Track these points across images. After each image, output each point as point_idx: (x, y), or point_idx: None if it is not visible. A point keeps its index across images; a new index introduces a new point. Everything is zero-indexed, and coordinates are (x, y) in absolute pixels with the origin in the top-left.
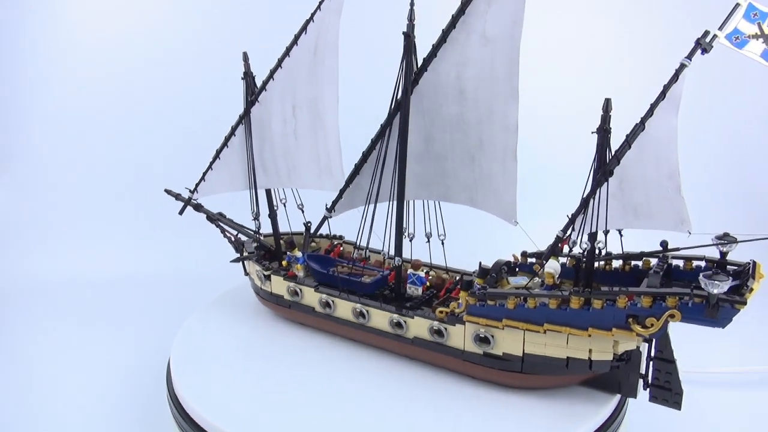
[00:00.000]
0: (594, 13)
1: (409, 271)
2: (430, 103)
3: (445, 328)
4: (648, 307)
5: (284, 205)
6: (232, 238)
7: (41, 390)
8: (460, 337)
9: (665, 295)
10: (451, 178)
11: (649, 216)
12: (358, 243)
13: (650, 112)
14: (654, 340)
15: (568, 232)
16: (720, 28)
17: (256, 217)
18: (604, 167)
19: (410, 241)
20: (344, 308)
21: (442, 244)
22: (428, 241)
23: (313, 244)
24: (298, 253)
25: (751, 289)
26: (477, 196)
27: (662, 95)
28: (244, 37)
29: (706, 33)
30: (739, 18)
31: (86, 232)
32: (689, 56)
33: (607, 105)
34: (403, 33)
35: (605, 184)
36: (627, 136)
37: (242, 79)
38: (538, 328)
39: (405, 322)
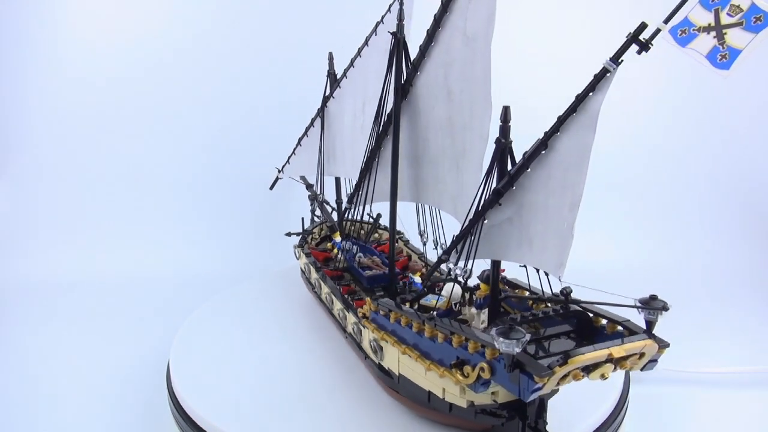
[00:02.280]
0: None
1: (408, 274)
2: (424, 104)
3: (360, 329)
4: (471, 353)
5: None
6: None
7: (41, 390)
8: (367, 341)
9: (487, 344)
10: (442, 185)
11: (542, 250)
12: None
13: (556, 129)
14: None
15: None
16: (666, 21)
17: (314, 201)
18: (507, 183)
19: (423, 244)
20: (325, 292)
21: (435, 246)
22: (424, 243)
23: (375, 235)
24: (338, 238)
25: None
26: (459, 208)
27: (573, 108)
28: (243, 37)
29: (644, 26)
30: (694, 4)
31: (86, 233)
32: (615, 58)
33: (505, 114)
34: (391, 33)
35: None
36: (524, 154)
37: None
38: (405, 349)
39: (345, 315)
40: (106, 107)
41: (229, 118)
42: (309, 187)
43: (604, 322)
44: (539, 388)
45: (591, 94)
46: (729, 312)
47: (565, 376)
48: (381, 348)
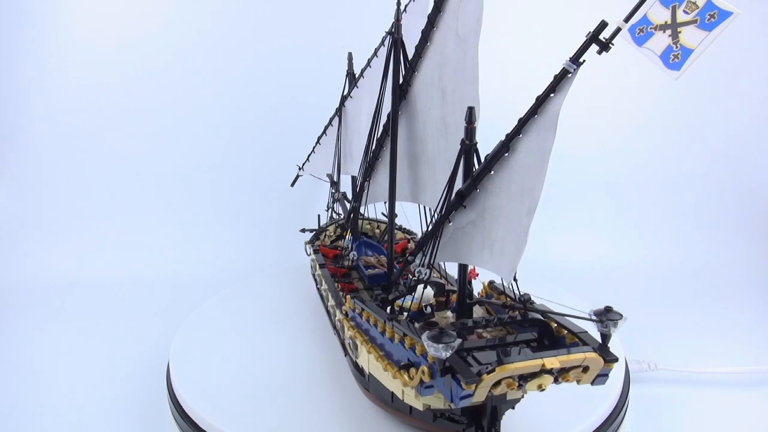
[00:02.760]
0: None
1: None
2: (422, 104)
3: (343, 326)
4: (418, 356)
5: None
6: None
7: (41, 390)
8: (346, 338)
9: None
10: (439, 186)
11: (501, 255)
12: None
13: (518, 131)
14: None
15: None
16: (626, 19)
17: (335, 198)
18: (470, 185)
19: None
20: (323, 288)
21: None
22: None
23: (398, 233)
24: (349, 236)
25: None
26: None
27: (534, 110)
28: (252, 36)
29: (604, 24)
30: (654, 1)
31: (86, 233)
32: (575, 58)
33: (470, 115)
34: (388, 33)
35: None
36: (487, 156)
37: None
38: (370, 348)
39: (335, 311)
40: (107, 107)
41: (230, 117)
42: (333, 184)
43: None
44: (469, 395)
45: (552, 95)
46: (729, 312)
47: (497, 385)
48: (357, 346)
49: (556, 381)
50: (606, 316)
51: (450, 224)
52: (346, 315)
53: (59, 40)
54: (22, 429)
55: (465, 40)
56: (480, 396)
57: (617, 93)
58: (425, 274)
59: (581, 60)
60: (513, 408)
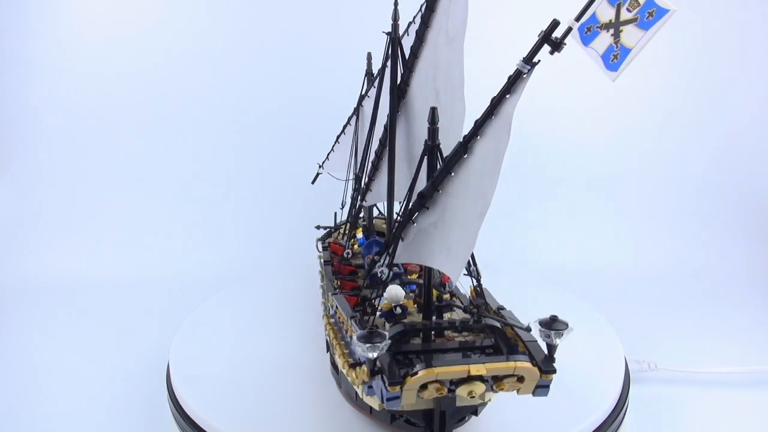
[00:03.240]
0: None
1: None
2: (419, 105)
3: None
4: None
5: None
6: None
7: (41, 389)
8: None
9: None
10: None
11: (455, 258)
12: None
13: (475, 132)
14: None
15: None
16: (577, 18)
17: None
18: (430, 187)
19: None
20: (321, 284)
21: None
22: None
23: None
24: (360, 234)
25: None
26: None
27: (490, 112)
28: (245, 36)
29: (556, 23)
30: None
31: (86, 233)
32: (528, 58)
33: (432, 115)
34: (386, 33)
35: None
36: (446, 158)
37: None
38: (336, 344)
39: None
40: (108, 107)
41: (232, 116)
42: (354, 181)
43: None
44: (395, 397)
45: (507, 96)
46: (729, 312)
47: (424, 388)
48: (331, 344)
49: (492, 389)
50: (551, 326)
51: (414, 225)
52: (327, 312)
53: (60, 40)
54: (22, 429)
55: (454, 40)
56: (409, 399)
57: (617, 93)
58: (387, 274)
59: (535, 60)
60: (476, 414)
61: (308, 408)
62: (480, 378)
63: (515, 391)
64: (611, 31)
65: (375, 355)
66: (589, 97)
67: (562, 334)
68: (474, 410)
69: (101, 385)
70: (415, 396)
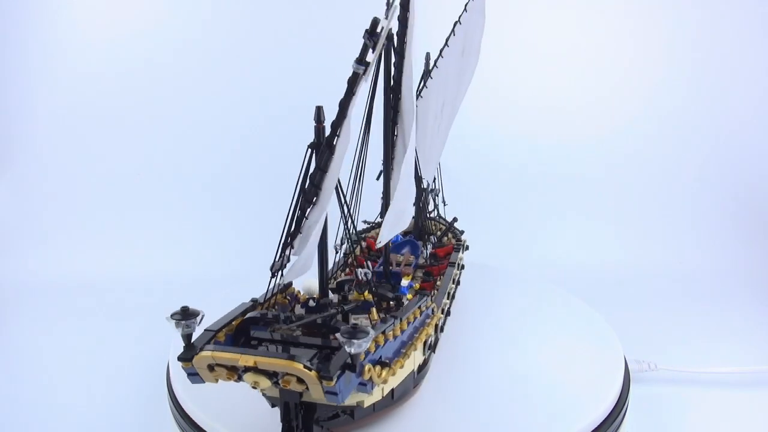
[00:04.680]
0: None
1: (403, 281)
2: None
3: None
4: None
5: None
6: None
7: (41, 389)
8: None
9: None
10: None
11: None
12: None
13: (335, 133)
14: None
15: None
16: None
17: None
18: (310, 185)
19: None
20: None
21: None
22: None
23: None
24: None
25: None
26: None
27: (343, 113)
28: (248, 37)
29: (375, 23)
30: None
31: (87, 233)
32: (359, 59)
33: (318, 114)
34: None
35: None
36: (317, 160)
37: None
38: None
39: None
40: (109, 107)
41: (231, 118)
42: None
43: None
44: (192, 373)
45: (353, 97)
46: (729, 312)
47: (213, 370)
48: None
49: (277, 384)
50: (353, 335)
51: (306, 221)
52: None
53: (61, 39)
54: (21, 429)
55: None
56: (208, 378)
57: (617, 93)
58: (280, 266)
59: (367, 60)
60: (352, 416)
61: None
62: (254, 368)
63: (309, 392)
64: None
65: (180, 330)
66: (588, 96)
67: (361, 343)
68: (350, 411)
69: (101, 385)
70: (210, 376)
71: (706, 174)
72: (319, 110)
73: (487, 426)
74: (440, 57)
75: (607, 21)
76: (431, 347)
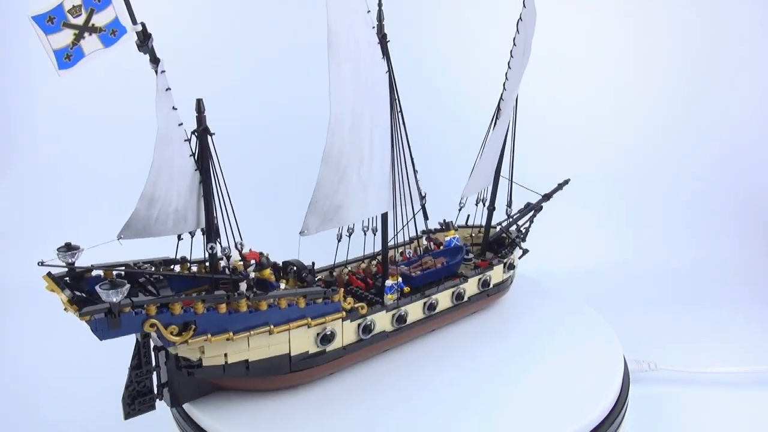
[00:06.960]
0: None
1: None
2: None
3: None
4: None
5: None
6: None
7: (40, 389)
8: None
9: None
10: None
11: None
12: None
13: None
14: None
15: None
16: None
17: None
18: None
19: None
20: None
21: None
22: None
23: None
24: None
25: None
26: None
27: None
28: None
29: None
30: None
31: (87, 232)
32: (152, 58)
33: (199, 105)
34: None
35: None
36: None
37: None
38: None
39: None
40: (110, 106)
41: (232, 118)
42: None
43: None
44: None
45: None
46: (729, 312)
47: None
48: None
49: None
50: (112, 286)
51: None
52: None
53: None
54: (21, 428)
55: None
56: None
57: (616, 93)
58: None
59: (158, 58)
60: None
61: (308, 407)
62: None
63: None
64: (75, 32)
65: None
66: (587, 97)
67: (111, 295)
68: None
69: (101, 384)
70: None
71: (706, 174)
72: (199, 102)
73: (487, 426)
74: (511, 57)
75: (607, 21)
76: (328, 340)
